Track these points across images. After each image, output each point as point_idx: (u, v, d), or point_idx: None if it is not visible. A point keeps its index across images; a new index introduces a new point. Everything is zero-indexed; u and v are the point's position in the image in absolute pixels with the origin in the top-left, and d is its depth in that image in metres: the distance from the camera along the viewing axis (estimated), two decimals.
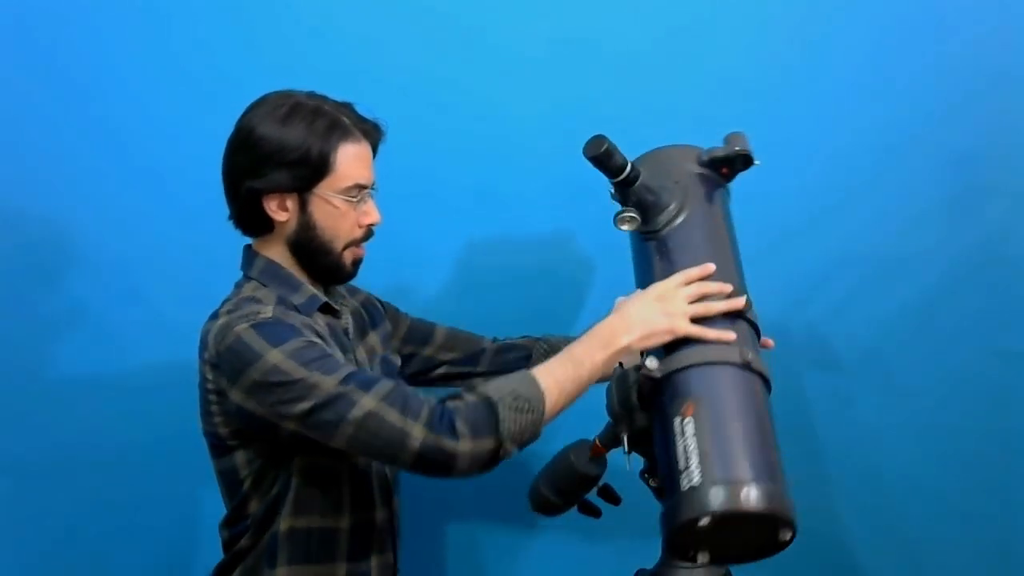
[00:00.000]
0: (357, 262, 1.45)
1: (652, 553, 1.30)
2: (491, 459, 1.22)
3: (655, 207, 1.34)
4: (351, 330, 1.49)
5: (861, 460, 1.91)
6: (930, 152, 1.88)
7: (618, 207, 1.35)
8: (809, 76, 1.89)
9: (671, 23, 1.88)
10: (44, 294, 1.79)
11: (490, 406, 1.21)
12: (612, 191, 1.36)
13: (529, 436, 1.24)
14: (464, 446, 1.19)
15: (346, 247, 1.42)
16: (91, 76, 1.81)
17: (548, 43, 1.86)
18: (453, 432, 1.19)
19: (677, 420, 1.19)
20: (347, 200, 1.38)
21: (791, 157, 1.86)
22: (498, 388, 1.23)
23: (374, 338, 1.55)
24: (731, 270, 1.32)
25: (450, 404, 1.23)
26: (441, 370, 1.68)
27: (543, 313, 1.88)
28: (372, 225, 1.43)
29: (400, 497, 1.56)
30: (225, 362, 1.30)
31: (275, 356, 1.25)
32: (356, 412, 1.21)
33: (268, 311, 1.31)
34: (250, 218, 1.40)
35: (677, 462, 1.16)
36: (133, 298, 1.81)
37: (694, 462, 1.14)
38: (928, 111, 1.88)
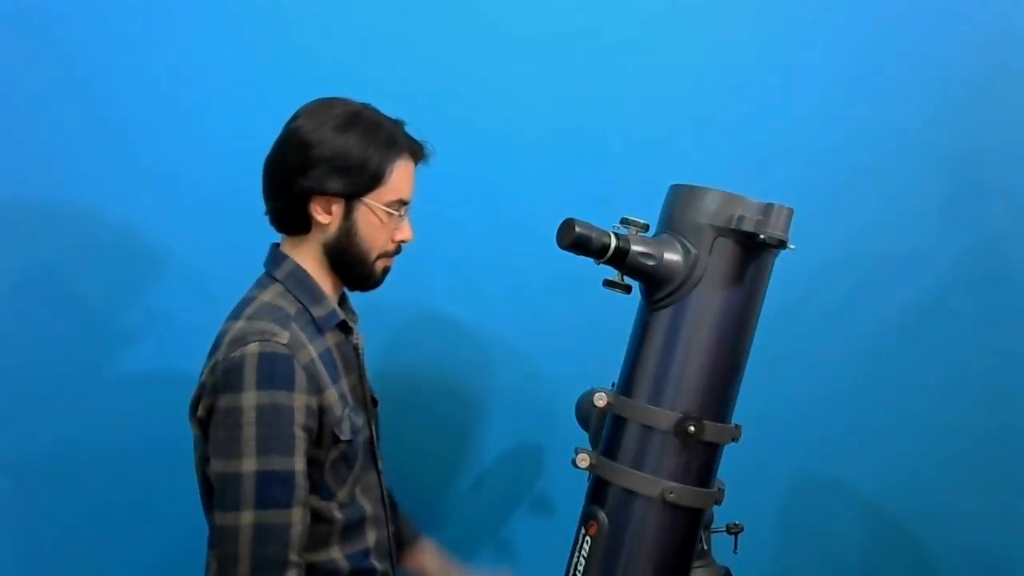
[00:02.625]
0: (386, 272, 1.46)
1: None
2: None
3: (656, 276, 1.19)
4: (361, 347, 1.49)
5: (861, 459, 1.91)
6: (930, 152, 1.89)
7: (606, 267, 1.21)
8: (809, 75, 1.89)
9: (671, 22, 1.88)
10: (42, 294, 1.79)
11: None
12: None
13: None
14: None
15: (378, 258, 1.42)
16: (93, 73, 1.81)
17: (549, 41, 1.86)
18: None
19: (582, 530, 1.23)
20: (389, 213, 1.39)
21: (791, 156, 1.86)
22: None
23: None
24: (699, 384, 1.19)
25: None
26: None
27: (545, 313, 1.88)
28: (404, 242, 1.44)
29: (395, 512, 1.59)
30: (220, 372, 1.29)
31: (249, 399, 1.25)
32: (230, 519, 1.24)
33: (285, 337, 1.30)
34: (291, 217, 1.39)
35: (568, 567, 1.24)
36: (133, 298, 1.81)
37: None
38: (927, 110, 1.89)
